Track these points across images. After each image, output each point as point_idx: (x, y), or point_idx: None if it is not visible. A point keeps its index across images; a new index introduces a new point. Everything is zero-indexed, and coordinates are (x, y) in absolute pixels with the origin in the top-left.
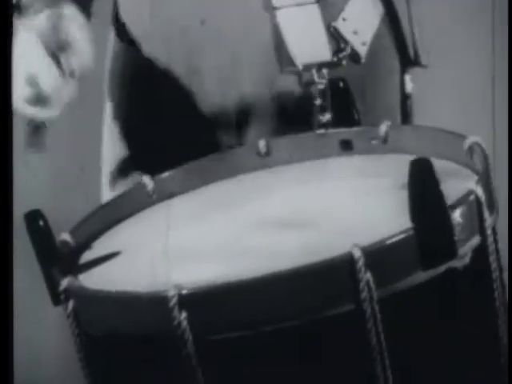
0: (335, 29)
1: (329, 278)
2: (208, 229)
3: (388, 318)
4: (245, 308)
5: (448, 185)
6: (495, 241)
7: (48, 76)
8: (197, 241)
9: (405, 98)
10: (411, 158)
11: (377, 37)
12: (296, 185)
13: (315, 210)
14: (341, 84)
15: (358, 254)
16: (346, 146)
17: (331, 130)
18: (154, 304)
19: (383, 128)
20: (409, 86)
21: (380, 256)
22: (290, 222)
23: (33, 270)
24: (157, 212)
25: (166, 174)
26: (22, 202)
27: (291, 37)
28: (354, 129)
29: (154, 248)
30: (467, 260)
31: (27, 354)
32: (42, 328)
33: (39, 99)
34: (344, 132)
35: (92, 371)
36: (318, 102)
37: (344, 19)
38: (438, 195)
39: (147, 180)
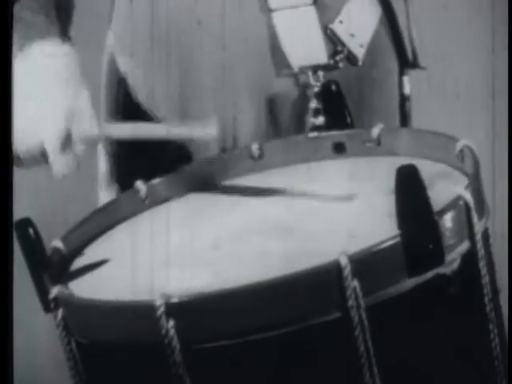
0: (332, 31)
1: (316, 285)
2: (199, 234)
3: (376, 326)
4: (232, 316)
5: (438, 188)
6: (486, 245)
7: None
8: (188, 247)
9: (403, 99)
10: (404, 160)
11: (374, 39)
12: (287, 189)
13: (307, 213)
14: (333, 87)
15: (344, 261)
16: (339, 149)
17: (324, 133)
18: (141, 313)
19: (376, 131)
20: (407, 88)
21: (367, 263)
22: (280, 226)
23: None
24: (149, 218)
25: (158, 179)
26: (22, 209)
27: (287, 39)
28: (347, 131)
29: (145, 254)
30: (456, 266)
31: (25, 359)
32: (39, 333)
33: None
34: (337, 135)
35: (81, 379)
36: (312, 104)
37: (341, 21)
38: (425, 201)
39: (140, 185)
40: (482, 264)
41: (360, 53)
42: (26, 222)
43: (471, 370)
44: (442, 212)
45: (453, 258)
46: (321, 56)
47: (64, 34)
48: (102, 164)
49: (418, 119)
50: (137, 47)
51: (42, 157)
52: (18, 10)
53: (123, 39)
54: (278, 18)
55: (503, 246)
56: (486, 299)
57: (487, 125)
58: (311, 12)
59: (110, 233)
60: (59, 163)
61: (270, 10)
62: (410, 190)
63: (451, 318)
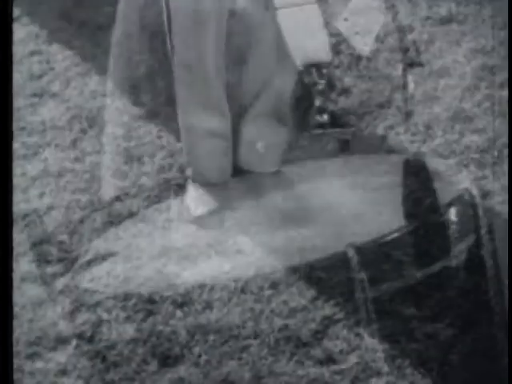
0: (336, 29)
1: None
2: (207, 228)
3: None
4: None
5: (443, 184)
6: (491, 239)
7: None
8: (192, 242)
9: (407, 97)
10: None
11: (379, 37)
12: (294, 184)
13: (313, 208)
14: (337, 84)
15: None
16: (344, 146)
17: (329, 130)
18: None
19: (380, 129)
20: (411, 86)
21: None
22: (288, 220)
23: (32, 269)
24: (155, 212)
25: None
26: (22, 202)
27: (292, 37)
28: (352, 129)
29: (153, 247)
30: (462, 258)
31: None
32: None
33: None
34: (341, 132)
35: None
36: (317, 102)
37: (345, 19)
38: (432, 194)
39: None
40: (487, 257)
41: (364, 51)
42: None
43: (476, 361)
44: (449, 205)
45: (459, 251)
46: (325, 54)
47: None
48: None
49: (418, 117)
50: None
51: None
52: None
53: None
54: (282, 16)
55: (503, 246)
56: (492, 292)
57: (487, 125)
58: (316, 10)
59: (116, 228)
60: None
61: (275, 8)
62: (417, 182)
63: (457, 310)
